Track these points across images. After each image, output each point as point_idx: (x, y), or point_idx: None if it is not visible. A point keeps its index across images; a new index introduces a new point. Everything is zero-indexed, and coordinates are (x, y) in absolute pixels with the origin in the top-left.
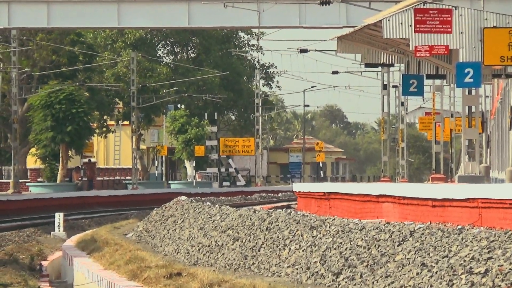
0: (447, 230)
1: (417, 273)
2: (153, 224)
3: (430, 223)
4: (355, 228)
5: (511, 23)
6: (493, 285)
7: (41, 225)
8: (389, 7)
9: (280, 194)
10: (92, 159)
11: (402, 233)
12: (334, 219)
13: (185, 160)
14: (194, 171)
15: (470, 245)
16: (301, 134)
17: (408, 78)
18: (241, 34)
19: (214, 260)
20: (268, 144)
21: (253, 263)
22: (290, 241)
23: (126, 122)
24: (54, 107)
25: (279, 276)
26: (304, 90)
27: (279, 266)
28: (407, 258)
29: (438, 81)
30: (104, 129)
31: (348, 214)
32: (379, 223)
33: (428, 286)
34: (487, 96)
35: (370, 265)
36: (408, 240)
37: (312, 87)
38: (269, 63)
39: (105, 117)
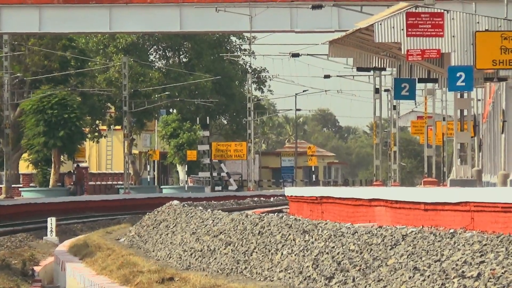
0: (440, 234)
1: (410, 277)
2: (145, 229)
3: (423, 227)
4: (347, 232)
5: (503, 26)
6: None
7: (33, 230)
8: (381, 11)
9: (272, 199)
10: (84, 164)
11: (395, 237)
12: (326, 223)
13: (177, 165)
14: (186, 175)
15: (463, 249)
16: (293, 138)
17: (400, 82)
18: (233, 38)
19: (206, 264)
20: (260, 149)
21: (246, 268)
22: (283, 246)
23: (118, 127)
24: (46, 112)
25: (272, 281)
26: (296, 94)
27: (272, 270)
28: (400, 262)
29: (430, 85)
30: (96, 134)
31: (340, 218)
32: (372, 227)
33: None
34: (479, 100)
35: (363, 269)
36: (401, 244)
37: (304, 91)
38: (261, 67)
39: (97, 122)
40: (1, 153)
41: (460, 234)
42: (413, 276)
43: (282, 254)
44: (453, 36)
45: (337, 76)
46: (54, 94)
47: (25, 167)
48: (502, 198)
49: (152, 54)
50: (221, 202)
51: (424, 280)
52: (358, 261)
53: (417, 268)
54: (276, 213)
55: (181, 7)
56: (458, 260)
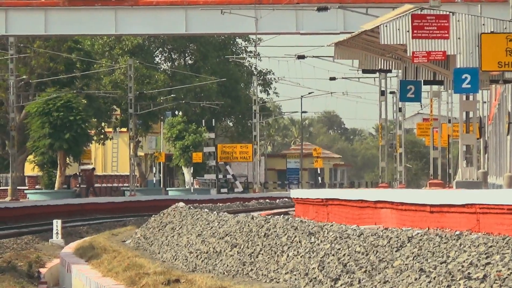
0: (445, 235)
1: (415, 279)
2: (151, 231)
3: (428, 228)
4: (353, 234)
5: (509, 28)
6: None
7: (39, 232)
8: (386, 12)
9: (277, 201)
10: (89, 166)
11: (400, 239)
12: (332, 225)
13: (182, 167)
14: (192, 177)
15: (468, 251)
16: (299, 140)
17: (406, 84)
18: (239, 40)
19: (212, 266)
20: (266, 151)
21: (251, 270)
22: (288, 248)
23: (124, 129)
24: (51, 114)
25: (277, 282)
26: (302, 96)
27: (277, 272)
28: (405, 264)
29: (435, 87)
30: (102, 136)
31: (346, 220)
32: (377, 229)
33: None
34: (485, 102)
35: (368, 271)
36: (406, 246)
37: (309, 93)
38: (267, 69)
39: (103, 124)
40: (7, 155)
41: (466, 236)
42: (419, 278)
43: (288, 256)
44: (459, 38)
45: (343, 78)
46: (59, 97)
47: (30, 169)
48: (507, 200)
49: (158, 56)
50: (227, 204)
51: (430, 282)
52: (364, 263)
53: (423, 270)
54: (282, 215)
55: (186, 9)
56: (464, 261)
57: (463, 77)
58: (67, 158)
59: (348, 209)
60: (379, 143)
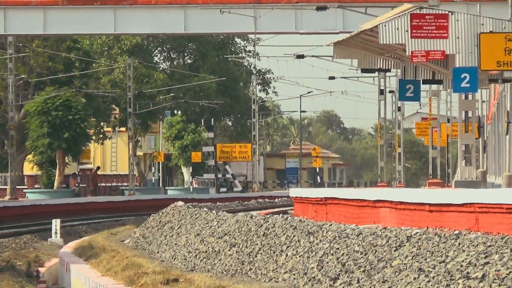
0: (444, 235)
1: (414, 278)
2: (150, 230)
3: (427, 228)
4: (352, 234)
5: (507, 28)
6: None
7: (38, 232)
8: (385, 12)
9: (277, 200)
10: (89, 166)
11: (399, 238)
12: (331, 225)
13: (182, 166)
14: (191, 177)
15: (467, 250)
16: (298, 139)
17: (405, 83)
18: (238, 40)
19: (211, 266)
20: (265, 150)
21: (250, 269)
22: (287, 247)
23: (123, 129)
24: (50, 113)
25: (276, 282)
26: (301, 95)
27: (276, 271)
28: (404, 263)
29: (434, 86)
30: (101, 135)
31: (345, 220)
32: (376, 228)
33: None
34: (484, 101)
35: (367, 270)
36: (405, 245)
37: (308, 92)
38: (266, 69)
39: (102, 123)
40: (6, 154)
41: (464, 235)
42: (418, 277)
43: (287, 255)
44: (458, 38)
45: (342, 77)
46: (58, 96)
47: (29, 168)
48: (506, 200)
49: (157, 55)
50: (226, 203)
51: (429, 281)
52: (363, 262)
53: (421, 269)
54: (281, 214)
55: (185, 9)
56: (462, 261)
57: (462, 76)
58: (66, 158)
59: (347, 209)
60: (378, 142)
